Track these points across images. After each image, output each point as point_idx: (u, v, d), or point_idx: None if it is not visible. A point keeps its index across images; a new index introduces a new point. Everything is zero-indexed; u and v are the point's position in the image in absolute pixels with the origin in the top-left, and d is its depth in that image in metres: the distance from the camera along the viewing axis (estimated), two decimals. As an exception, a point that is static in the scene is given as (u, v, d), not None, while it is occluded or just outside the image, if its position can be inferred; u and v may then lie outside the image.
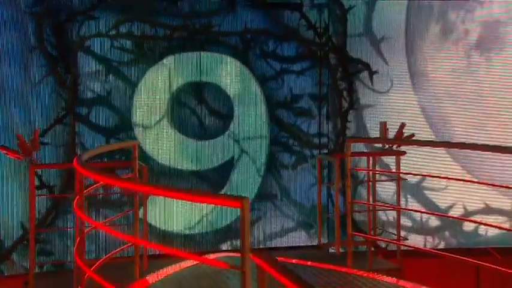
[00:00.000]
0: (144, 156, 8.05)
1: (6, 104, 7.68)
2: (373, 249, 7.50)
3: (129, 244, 6.34)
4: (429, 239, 8.82)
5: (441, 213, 8.29)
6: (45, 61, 7.76)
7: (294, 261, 6.83)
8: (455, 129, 9.00)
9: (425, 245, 8.77)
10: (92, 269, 4.68)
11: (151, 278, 6.32)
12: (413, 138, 7.35)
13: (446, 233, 8.93)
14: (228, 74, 8.45)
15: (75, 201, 4.97)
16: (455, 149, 8.79)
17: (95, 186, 5.57)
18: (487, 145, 5.37)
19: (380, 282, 6.17)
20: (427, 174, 7.70)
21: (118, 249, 5.97)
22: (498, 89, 8.80)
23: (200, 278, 6.35)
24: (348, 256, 6.60)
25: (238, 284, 5.39)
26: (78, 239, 4.78)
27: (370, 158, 7.33)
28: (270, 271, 2.69)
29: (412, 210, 8.24)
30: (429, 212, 8.16)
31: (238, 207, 2.91)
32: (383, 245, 7.77)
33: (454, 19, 8.98)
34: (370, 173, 7.16)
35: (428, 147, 8.36)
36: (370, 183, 7.27)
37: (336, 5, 8.52)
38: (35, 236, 6.29)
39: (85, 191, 4.93)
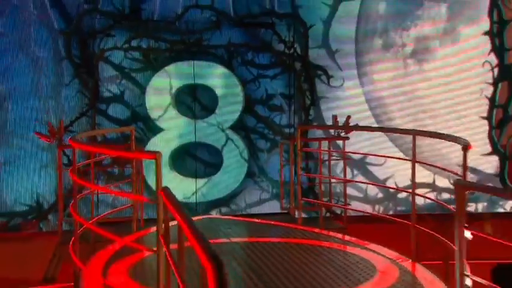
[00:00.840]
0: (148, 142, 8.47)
1: (42, 101, 8.22)
2: (328, 214, 7.94)
3: (129, 205, 6.50)
4: (375, 207, 8.93)
5: (379, 184, 8.53)
6: (72, 68, 8.26)
7: (257, 220, 7.08)
8: (395, 120, 9.34)
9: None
10: (89, 222, 4.93)
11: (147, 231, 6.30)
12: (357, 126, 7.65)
13: (386, 202, 9.07)
14: (216, 78, 8.77)
15: (70, 169, 5.17)
16: (395, 135, 9.18)
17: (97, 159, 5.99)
18: (414, 130, 5.70)
19: (323, 235, 6.25)
20: (366, 153, 7.97)
21: (117, 209, 6.22)
22: (428, 89, 9.15)
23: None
24: (305, 218, 6.92)
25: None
26: (75, 198, 4.85)
27: (322, 142, 7.50)
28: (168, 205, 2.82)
29: (352, 181, 8.36)
30: (368, 182, 8.39)
31: (153, 158, 3.30)
32: (338, 211, 7.96)
33: (394, 35, 9.26)
34: (323, 152, 7.36)
35: (370, 133, 8.56)
36: (326, 161, 7.35)
37: (299, 23, 8.82)
38: (63, 202, 6.56)
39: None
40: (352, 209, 7.43)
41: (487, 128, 9.41)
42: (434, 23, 9.24)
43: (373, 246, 5.46)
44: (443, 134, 5.80)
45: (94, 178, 6.39)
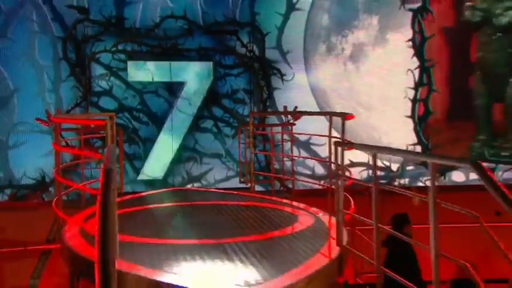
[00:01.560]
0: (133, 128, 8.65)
1: (44, 94, 8.42)
2: (282, 188, 8.08)
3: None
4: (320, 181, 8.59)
5: (319, 159, 8.50)
6: (68, 68, 8.47)
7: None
8: (336, 110, 8.97)
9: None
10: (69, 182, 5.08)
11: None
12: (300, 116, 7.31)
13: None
14: (189, 76, 8.90)
15: (53, 143, 5.40)
16: (335, 121, 9.01)
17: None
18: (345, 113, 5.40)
19: (268, 200, 6.35)
20: (309, 133, 7.62)
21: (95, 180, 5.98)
22: (363, 85, 9.36)
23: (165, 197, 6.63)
24: (261, 191, 7.11)
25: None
26: (58, 165, 4.98)
27: (276, 128, 7.78)
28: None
29: (299, 157, 8.27)
30: (309, 157, 8.54)
31: (103, 124, 3.64)
32: (290, 186, 7.71)
33: (335, 41, 9.37)
34: (279, 136, 7.42)
35: (315, 120, 7.90)
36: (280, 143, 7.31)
37: (257, 31, 8.97)
38: (61, 176, 6.65)
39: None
40: (298, 180, 7.40)
41: (411, 123, 9.47)
42: (368, 31, 9.40)
43: (302, 205, 5.61)
44: (337, 113, 5.97)
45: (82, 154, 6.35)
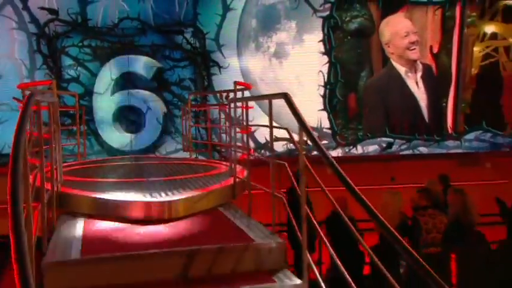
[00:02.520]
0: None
1: (22, 79, 8.33)
2: (221, 158, 7.85)
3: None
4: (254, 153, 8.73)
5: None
6: (42, 58, 8.49)
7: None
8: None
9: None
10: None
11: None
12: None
13: (263, 151, 9.05)
14: (144, 67, 8.97)
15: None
16: (262, 104, 8.28)
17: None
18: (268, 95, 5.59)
19: (199, 160, 6.59)
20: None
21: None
22: (285, 76, 9.50)
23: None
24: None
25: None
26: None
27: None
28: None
29: (220, 126, 7.53)
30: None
31: (50, 84, 3.90)
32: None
33: (261, 40, 9.48)
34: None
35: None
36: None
37: (199, 30, 9.00)
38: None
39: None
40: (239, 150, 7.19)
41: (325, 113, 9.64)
42: (288, 33, 9.50)
43: (225, 163, 5.49)
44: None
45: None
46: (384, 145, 9.90)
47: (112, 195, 3.53)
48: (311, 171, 2.85)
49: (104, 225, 3.19)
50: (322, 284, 2.51)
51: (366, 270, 5.96)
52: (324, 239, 2.82)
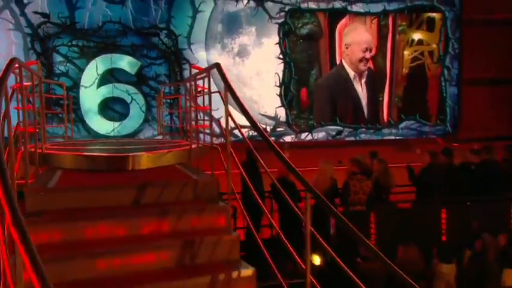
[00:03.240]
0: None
1: None
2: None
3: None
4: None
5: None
6: (36, 56, 8.45)
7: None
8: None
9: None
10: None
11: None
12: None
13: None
14: (125, 64, 8.91)
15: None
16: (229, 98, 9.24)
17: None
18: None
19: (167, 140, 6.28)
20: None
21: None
22: (247, 73, 9.57)
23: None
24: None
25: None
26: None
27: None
28: None
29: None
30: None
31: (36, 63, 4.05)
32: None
33: (226, 41, 9.47)
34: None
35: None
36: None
37: (173, 32, 8.95)
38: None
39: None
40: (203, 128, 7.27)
41: (278, 98, 9.73)
42: (249, 36, 9.61)
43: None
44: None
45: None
46: (333, 133, 10.13)
47: (86, 153, 3.93)
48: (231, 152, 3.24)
49: (78, 174, 3.59)
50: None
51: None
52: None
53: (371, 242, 5.99)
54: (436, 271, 5.55)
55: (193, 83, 4.36)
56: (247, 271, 2.85)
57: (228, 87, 3.20)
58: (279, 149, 2.83)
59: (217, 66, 3.42)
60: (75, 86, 8.63)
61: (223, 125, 3.53)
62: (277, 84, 9.78)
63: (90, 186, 2.99)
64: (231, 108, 3.45)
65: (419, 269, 5.50)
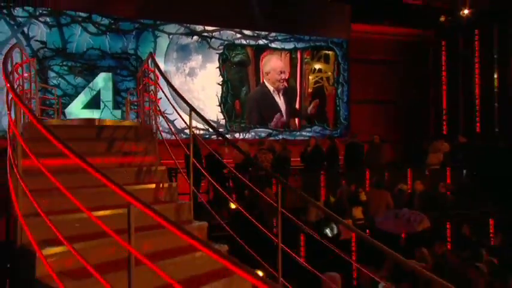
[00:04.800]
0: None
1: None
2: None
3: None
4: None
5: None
6: (34, 71, 9.14)
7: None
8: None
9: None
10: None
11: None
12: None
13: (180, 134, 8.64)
14: (103, 80, 9.56)
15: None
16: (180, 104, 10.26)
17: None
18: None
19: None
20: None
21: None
22: (196, 89, 10.44)
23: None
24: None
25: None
26: None
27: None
28: None
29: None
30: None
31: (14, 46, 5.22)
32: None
33: (179, 66, 10.10)
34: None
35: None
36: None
37: (139, 57, 9.57)
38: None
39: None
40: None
41: (221, 113, 10.65)
42: (196, 62, 10.51)
43: None
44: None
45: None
46: (262, 134, 11.09)
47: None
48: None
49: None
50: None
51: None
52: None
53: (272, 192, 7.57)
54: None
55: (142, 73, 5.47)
56: (201, 224, 3.45)
57: (160, 73, 4.53)
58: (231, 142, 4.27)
59: (150, 54, 4.68)
60: (65, 95, 9.22)
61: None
62: (218, 97, 10.71)
63: (62, 125, 4.25)
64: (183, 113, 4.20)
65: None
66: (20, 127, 3.21)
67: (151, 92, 4.83)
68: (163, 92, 4.56)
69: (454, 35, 11.08)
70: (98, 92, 9.63)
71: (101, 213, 2.86)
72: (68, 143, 2.20)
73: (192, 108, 3.76)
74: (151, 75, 4.89)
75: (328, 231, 6.89)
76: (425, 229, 6.78)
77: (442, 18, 11.40)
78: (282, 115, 11.61)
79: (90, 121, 5.31)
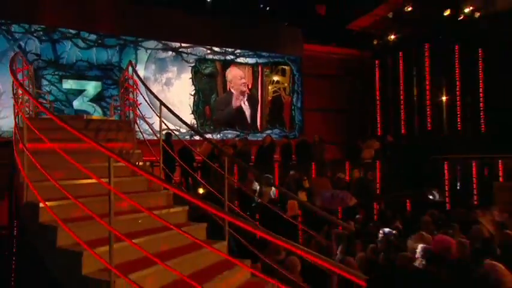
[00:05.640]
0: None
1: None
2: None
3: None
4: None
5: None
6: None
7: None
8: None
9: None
10: None
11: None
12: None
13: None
14: (91, 88, 9.95)
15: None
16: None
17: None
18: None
19: None
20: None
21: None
22: (171, 96, 10.77)
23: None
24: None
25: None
26: None
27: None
28: None
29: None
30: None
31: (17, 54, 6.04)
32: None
33: (158, 78, 10.63)
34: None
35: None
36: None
37: (122, 68, 9.23)
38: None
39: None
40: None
41: (194, 117, 11.16)
42: (172, 73, 10.99)
43: None
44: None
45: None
46: (229, 135, 11.56)
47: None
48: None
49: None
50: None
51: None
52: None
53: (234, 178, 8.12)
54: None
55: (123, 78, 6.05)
56: (182, 208, 3.67)
57: (138, 77, 5.22)
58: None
59: (130, 62, 5.30)
60: (56, 100, 9.57)
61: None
62: (191, 103, 11.25)
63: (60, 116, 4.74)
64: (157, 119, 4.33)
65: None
66: (21, 121, 3.61)
67: (131, 93, 5.24)
68: (142, 95, 4.93)
69: (384, 55, 12.46)
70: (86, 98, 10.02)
71: (88, 180, 3.25)
72: (61, 131, 2.63)
73: (162, 103, 4.11)
74: (130, 81, 5.35)
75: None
76: (354, 204, 7.91)
77: (375, 42, 12.97)
78: (245, 119, 12.29)
79: (79, 116, 5.94)
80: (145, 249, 2.47)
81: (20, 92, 3.91)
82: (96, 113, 10.03)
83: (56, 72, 9.70)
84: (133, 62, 9.31)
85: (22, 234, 3.94)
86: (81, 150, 3.48)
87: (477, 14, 10.05)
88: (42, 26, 9.38)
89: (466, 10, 10.16)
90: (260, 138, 12.06)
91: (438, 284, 3.71)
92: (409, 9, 10.94)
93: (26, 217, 3.40)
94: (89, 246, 2.54)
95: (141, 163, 4.67)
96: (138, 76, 5.19)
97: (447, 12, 10.45)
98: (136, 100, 5.10)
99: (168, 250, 3.13)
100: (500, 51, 9.74)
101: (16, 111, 3.93)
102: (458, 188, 9.43)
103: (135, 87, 5.18)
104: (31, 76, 5.37)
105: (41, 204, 3.09)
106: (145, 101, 4.81)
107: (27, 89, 4.75)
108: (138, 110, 5.03)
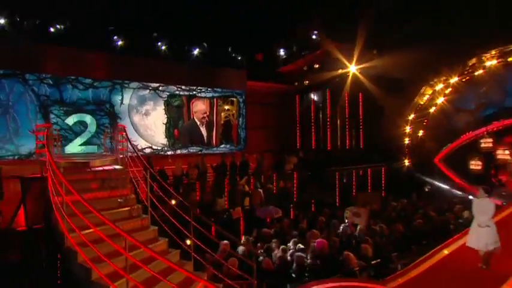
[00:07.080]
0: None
1: (32, 124, 9.54)
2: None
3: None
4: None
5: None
6: (41, 114, 9.94)
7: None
8: (141, 132, 12.80)
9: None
10: None
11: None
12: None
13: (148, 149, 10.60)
14: (88, 119, 10.60)
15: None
16: (141, 132, 11.67)
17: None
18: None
19: None
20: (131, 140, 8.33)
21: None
22: (150, 123, 11.73)
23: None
24: None
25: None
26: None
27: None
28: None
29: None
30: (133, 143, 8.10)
31: (51, 127, 6.07)
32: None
33: (140, 108, 11.52)
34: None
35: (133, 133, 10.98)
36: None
37: (112, 105, 10.84)
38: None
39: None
40: (117, 140, 8.55)
41: (166, 139, 12.11)
42: (151, 105, 11.99)
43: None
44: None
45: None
46: (192, 150, 12.80)
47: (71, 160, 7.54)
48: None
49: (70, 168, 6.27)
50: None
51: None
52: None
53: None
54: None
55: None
56: (163, 240, 4.31)
57: (127, 138, 7.30)
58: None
59: (123, 127, 6.66)
60: (61, 129, 10.38)
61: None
62: (163, 128, 12.40)
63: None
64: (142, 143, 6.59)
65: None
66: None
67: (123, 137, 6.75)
68: (126, 132, 6.82)
69: (302, 92, 15.21)
70: (85, 127, 10.77)
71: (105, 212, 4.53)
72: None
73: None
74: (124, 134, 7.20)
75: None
76: (279, 216, 10.21)
77: (296, 83, 15.83)
78: (204, 139, 13.59)
79: (85, 164, 6.88)
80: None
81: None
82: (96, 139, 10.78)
83: (61, 108, 10.44)
84: (120, 100, 11.18)
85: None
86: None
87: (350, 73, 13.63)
88: (49, 75, 10.27)
89: (349, 69, 13.68)
90: (215, 152, 14.15)
91: (318, 271, 5.11)
92: (317, 65, 14.34)
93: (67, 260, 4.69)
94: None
95: (135, 207, 6.31)
96: (125, 131, 7.08)
97: (340, 71, 13.90)
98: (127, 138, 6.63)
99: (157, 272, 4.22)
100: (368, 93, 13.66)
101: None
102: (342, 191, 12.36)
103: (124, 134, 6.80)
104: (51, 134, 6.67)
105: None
106: (131, 131, 6.43)
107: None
108: (128, 140, 6.69)
